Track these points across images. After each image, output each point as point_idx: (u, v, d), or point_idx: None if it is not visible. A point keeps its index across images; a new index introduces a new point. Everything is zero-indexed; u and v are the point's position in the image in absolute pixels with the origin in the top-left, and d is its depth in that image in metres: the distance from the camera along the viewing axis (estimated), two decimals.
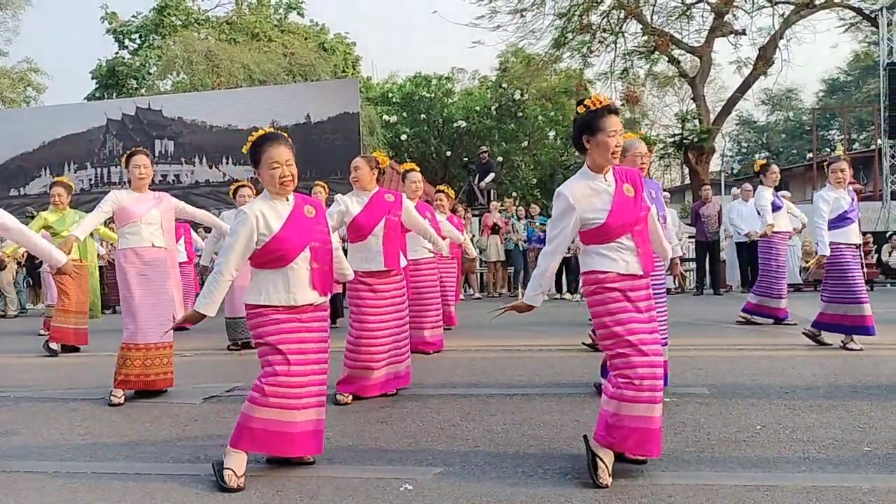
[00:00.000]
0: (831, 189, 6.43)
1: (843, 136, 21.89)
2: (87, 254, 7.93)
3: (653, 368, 3.18)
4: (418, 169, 6.99)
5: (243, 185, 7.29)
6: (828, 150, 25.73)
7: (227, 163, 15.44)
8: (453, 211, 10.49)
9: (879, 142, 15.56)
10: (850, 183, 6.53)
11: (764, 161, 8.51)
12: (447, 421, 4.33)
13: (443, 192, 8.87)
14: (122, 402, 5.07)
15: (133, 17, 24.47)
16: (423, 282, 6.73)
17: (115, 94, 22.43)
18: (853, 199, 6.46)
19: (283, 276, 3.41)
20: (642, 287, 3.30)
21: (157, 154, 15.64)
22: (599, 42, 18.97)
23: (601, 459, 3.18)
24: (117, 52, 24.36)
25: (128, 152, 5.42)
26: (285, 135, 3.59)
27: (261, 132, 3.53)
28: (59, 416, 4.82)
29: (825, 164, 6.72)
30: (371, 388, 4.90)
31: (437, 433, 4.09)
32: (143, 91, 21.82)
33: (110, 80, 23.32)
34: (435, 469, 3.45)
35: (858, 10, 17.67)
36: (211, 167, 15.60)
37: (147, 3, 27.90)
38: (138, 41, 24.24)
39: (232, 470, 3.31)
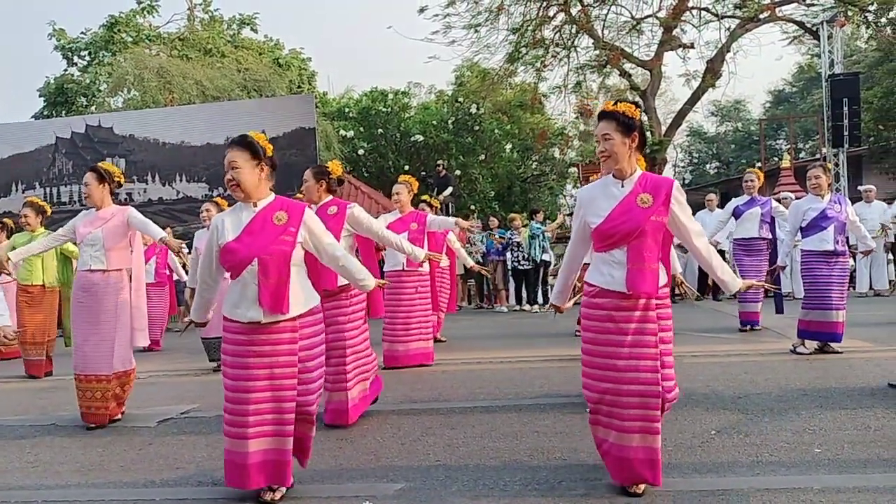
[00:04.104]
0: (809, 198, 6.44)
1: (789, 146, 22.46)
2: (57, 277, 7.37)
3: (617, 396, 3.08)
4: (412, 180, 6.97)
5: (208, 201, 7.33)
6: (775, 159, 26.39)
7: (181, 180, 15.20)
8: None
9: (824, 150, 16.04)
10: (794, 191, 6.70)
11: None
12: (408, 436, 4.32)
13: (426, 202, 8.68)
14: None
15: (82, 33, 23.96)
16: (392, 296, 6.62)
17: (64, 112, 21.92)
18: (833, 205, 6.26)
19: (234, 289, 3.30)
20: (630, 308, 3.10)
21: None
22: (552, 56, 19.26)
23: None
24: (66, 70, 23.84)
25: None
26: (253, 137, 3.36)
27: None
28: (6, 444, 4.67)
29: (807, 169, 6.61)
30: (352, 410, 4.68)
31: (397, 449, 4.08)
32: (93, 109, 21.33)
33: (59, 98, 22.77)
34: (396, 485, 3.44)
35: (801, 24, 18.24)
36: (164, 185, 15.34)
37: (96, 20, 27.42)
38: (88, 58, 23.75)
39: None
